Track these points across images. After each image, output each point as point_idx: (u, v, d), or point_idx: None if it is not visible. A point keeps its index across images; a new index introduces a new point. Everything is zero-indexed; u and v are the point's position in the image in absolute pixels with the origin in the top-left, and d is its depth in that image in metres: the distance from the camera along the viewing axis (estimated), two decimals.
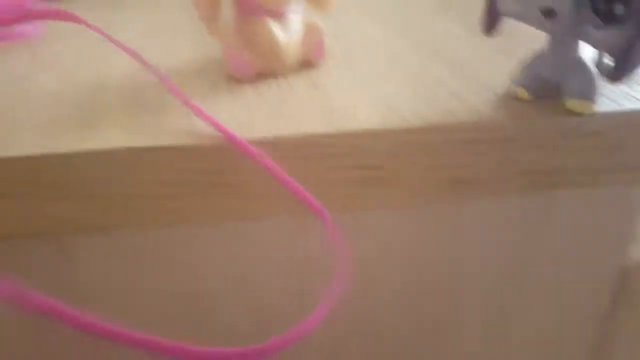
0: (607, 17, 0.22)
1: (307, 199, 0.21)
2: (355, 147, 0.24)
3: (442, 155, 0.25)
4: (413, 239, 0.28)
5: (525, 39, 0.33)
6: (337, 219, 0.27)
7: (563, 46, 0.25)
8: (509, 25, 0.27)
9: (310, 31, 0.29)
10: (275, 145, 0.23)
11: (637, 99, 0.26)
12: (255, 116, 0.24)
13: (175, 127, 0.23)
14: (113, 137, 0.22)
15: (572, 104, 0.25)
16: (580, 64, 0.25)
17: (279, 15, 0.27)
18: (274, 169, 0.22)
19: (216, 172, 0.23)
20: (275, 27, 0.27)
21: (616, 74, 0.23)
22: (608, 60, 0.26)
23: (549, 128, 0.25)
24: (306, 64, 0.29)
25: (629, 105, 0.26)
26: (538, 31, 0.25)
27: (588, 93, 0.25)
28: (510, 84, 0.26)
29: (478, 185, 0.26)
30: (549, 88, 0.25)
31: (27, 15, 0.31)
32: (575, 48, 0.24)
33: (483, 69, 0.29)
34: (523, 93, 0.26)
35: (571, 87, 0.25)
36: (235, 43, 0.27)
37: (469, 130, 0.24)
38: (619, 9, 0.22)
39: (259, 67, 0.28)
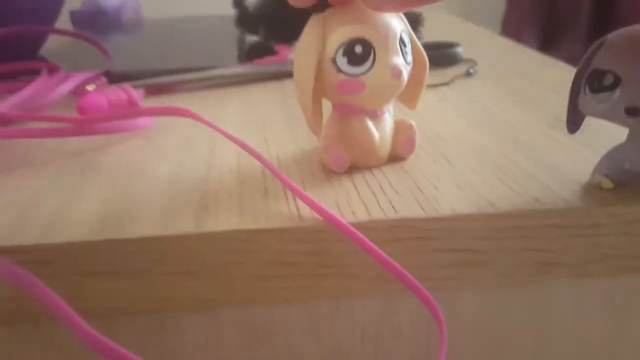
0: None
1: (406, 277, 0.23)
2: (447, 230, 0.25)
3: (530, 240, 0.26)
4: (502, 317, 0.29)
5: (600, 131, 0.34)
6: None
7: None
8: (588, 119, 0.29)
9: (403, 128, 0.31)
10: (374, 229, 0.25)
11: None
12: (352, 201, 0.26)
13: (281, 211, 0.26)
14: (223, 220, 0.25)
15: (597, 181, 0.26)
16: None
17: (376, 115, 0.30)
18: (374, 250, 0.23)
19: (318, 253, 0.25)
20: (373, 127, 0.29)
21: None
22: None
23: (633, 214, 0.26)
24: (397, 158, 0.31)
25: None
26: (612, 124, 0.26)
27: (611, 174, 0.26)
28: (593, 175, 0.28)
29: (564, 268, 0.27)
30: (631, 178, 0.27)
31: (146, 112, 0.36)
32: None
33: (563, 159, 0.31)
34: (608, 183, 0.27)
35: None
36: (334, 141, 0.29)
37: (556, 216, 0.26)
38: None
39: (354, 162, 0.30)
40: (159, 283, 0.25)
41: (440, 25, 0.77)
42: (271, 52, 0.56)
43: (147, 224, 0.25)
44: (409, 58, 0.29)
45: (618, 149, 0.27)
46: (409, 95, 0.32)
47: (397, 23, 0.28)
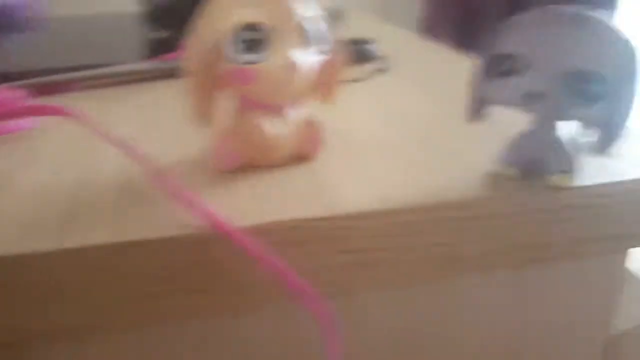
0: (589, 96, 0.24)
1: (300, 285, 0.21)
2: (347, 229, 0.24)
3: (432, 235, 0.25)
4: (407, 318, 0.28)
5: (505, 122, 0.34)
6: (332, 302, 0.26)
7: (545, 126, 0.26)
8: (498, 112, 0.28)
9: (309, 126, 0.29)
10: (268, 232, 0.23)
11: (617, 172, 0.27)
12: (247, 204, 0.24)
13: (165, 220, 0.23)
14: (95, 233, 0.22)
15: (554, 178, 0.26)
16: (559, 141, 0.26)
17: (277, 109, 0.27)
18: (264, 255, 0.21)
19: (207, 263, 0.23)
20: (267, 124, 0.27)
21: (600, 146, 0.24)
22: (589, 135, 0.26)
23: (533, 202, 0.25)
24: (301, 157, 0.29)
25: (608, 177, 0.26)
26: (516, 113, 0.26)
27: (567, 168, 0.25)
28: (497, 163, 0.27)
29: (468, 262, 0.26)
30: (533, 165, 0.26)
31: (24, 112, 0.32)
32: (554, 126, 0.25)
33: (467, 150, 0.30)
34: (510, 171, 0.27)
35: (552, 163, 0.26)
36: (225, 136, 0.27)
37: (456, 208, 0.25)
38: (597, 87, 0.23)
39: (249, 160, 0.28)
40: (16, 310, 0.21)
41: (356, 23, 0.76)
42: (179, 47, 0.53)
43: (3, 240, 0.21)
44: (318, 48, 0.27)
45: (521, 136, 0.27)
46: (324, 90, 0.30)
47: (300, 8, 0.26)
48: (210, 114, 0.27)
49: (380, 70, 0.49)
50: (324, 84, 0.30)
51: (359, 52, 0.52)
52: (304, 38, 0.26)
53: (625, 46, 0.23)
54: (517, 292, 0.29)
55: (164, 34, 0.62)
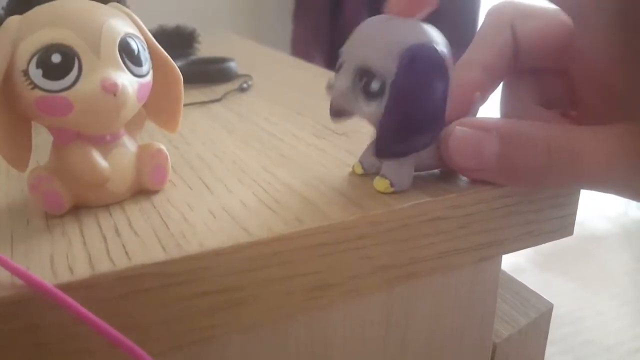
0: (367, 93, 0.24)
1: (125, 344, 0.18)
2: (198, 271, 0.21)
3: (294, 264, 0.23)
4: (280, 353, 0.26)
5: (364, 136, 0.34)
6: (193, 352, 0.23)
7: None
8: (350, 123, 0.27)
9: (148, 154, 0.26)
10: (100, 285, 0.19)
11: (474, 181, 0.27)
12: (73, 253, 0.21)
13: None
14: None
15: (374, 181, 0.26)
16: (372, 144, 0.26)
17: (105, 140, 0.24)
18: (84, 314, 0.18)
19: (28, 329, 0.19)
20: (97, 155, 0.24)
21: (375, 148, 0.25)
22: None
23: (397, 220, 0.24)
24: (145, 191, 0.26)
25: (468, 187, 0.26)
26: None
27: (385, 172, 0.25)
28: (354, 164, 0.28)
29: (336, 289, 0.24)
30: (372, 167, 0.27)
31: None
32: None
33: (327, 171, 0.29)
34: (358, 168, 0.27)
35: (376, 166, 0.26)
36: (45, 174, 0.23)
37: (319, 235, 0.23)
38: (375, 84, 0.24)
39: (80, 200, 0.24)
40: None
41: (220, 44, 0.74)
42: None
43: None
44: (143, 69, 0.24)
45: (373, 139, 0.26)
46: (164, 116, 0.28)
47: (118, 24, 0.23)
48: (22, 156, 0.24)
49: (241, 89, 0.47)
50: (162, 108, 0.27)
51: (218, 71, 0.50)
52: (123, 58, 0.23)
53: (410, 49, 0.23)
54: (391, 311, 0.28)
55: None
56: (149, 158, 0.26)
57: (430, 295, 0.28)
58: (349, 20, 1.23)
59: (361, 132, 0.34)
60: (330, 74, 0.53)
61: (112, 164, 0.24)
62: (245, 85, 0.47)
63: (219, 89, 0.47)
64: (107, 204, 0.25)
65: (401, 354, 0.29)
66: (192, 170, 0.29)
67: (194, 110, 0.41)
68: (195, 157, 0.31)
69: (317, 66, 0.58)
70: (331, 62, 1.24)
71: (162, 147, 0.26)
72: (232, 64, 0.51)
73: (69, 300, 0.18)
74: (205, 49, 0.56)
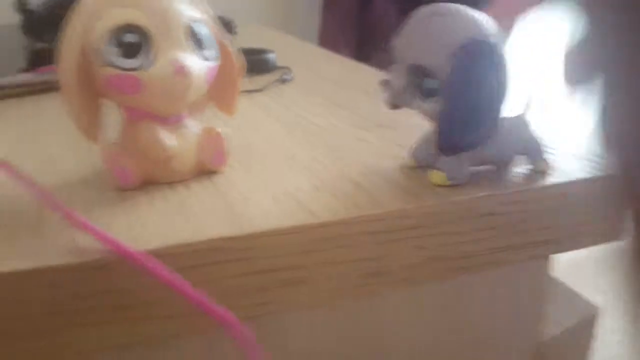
0: (423, 91, 0.25)
1: (213, 309, 0.19)
2: (262, 248, 0.22)
3: (352, 249, 0.24)
4: (333, 336, 0.27)
5: (410, 127, 0.34)
6: (253, 324, 0.24)
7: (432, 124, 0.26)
8: (394, 116, 0.28)
9: (209, 137, 0.27)
10: (175, 255, 0.21)
11: (529, 178, 0.27)
12: (149, 224, 0.22)
13: (56, 246, 0.20)
14: None
15: (430, 174, 0.26)
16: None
17: (170, 121, 0.25)
18: (172, 280, 0.19)
19: (108, 292, 0.20)
20: (164, 134, 0.25)
21: (437, 143, 0.25)
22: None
23: (455, 212, 0.25)
24: (205, 170, 0.27)
25: (528, 184, 0.27)
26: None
27: (440, 165, 0.26)
28: (406, 156, 0.28)
29: (392, 275, 0.25)
30: (426, 161, 0.27)
31: None
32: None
33: (375, 160, 0.29)
34: (411, 162, 0.28)
35: (433, 160, 0.27)
36: (117, 150, 0.25)
37: (375, 221, 0.24)
38: (429, 82, 0.24)
39: (148, 176, 0.25)
40: None
41: (254, 35, 0.75)
42: None
43: None
44: (208, 54, 0.25)
45: (425, 133, 0.28)
46: (223, 100, 0.29)
47: (187, 11, 0.24)
48: (94, 128, 0.25)
49: (282, 81, 0.48)
50: (221, 92, 0.28)
51: (258, 62, 0.51)
52: (191, 41, 0.24)
53: (464, 47, 0.24)
54: (442, 303, 0.28)
55: (42, 44, 0.57)
56: (210, 140, 0.27)
57: (480, 291, 0.29)
58: (378, 13, 1.23)
59: (404, 124, 0.35)
60: (364, 68, 0.54)
61: (177, 143, 0.25)
62: (286, 77, 0.48)
63: (259, 80, 0.48)
64: (172, 182, 0.26)
65: (450, 343, 0.30)
66: (248, 155, 0.30)
67: (240, 98, 0.42)
68: (248, 142, 0.32)
69: (353, 60, 0.59)
70: (359, 55, 1.24)
71: (222, 131, 0.27)
72: (272, 56, 0.52)
73: (157, 265, 0.19)
74: (237, 41, 0.57)
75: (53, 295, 0.19)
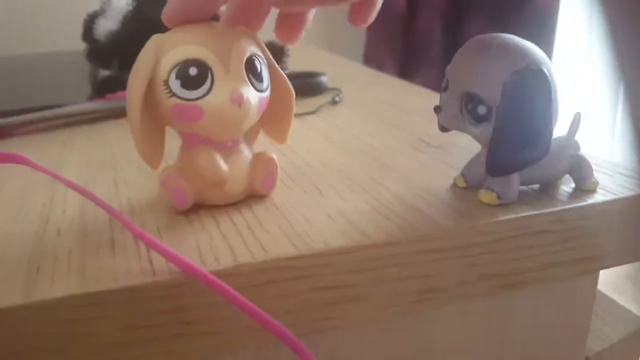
0: (475, 117, 0.26)
1: (277, 328, 0.20)
2: (319, 267, 0.23)
3: (406, 267, 0.25)
4: (384, 353, 0.27)
5: (462, 149, 0.35)
6: (309, 342, 0.25)
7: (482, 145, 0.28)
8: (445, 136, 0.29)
9: (262, 161, 0.28)
10: (241, 274, 0.22)
11: (576, 197, 0.28)
12: (216, 245, 0.24)
13: (131, 266, 0.22)
14: (59, 285, 0.21)
15: (480, 193, 0.27)
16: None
17: (226, 147, 0.27)
18: (237, 298, 0.21)
19: (179, 309, 0.22)
20: (219, 160, 0.26)
21: (487, 166, 0.26)
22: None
23: (506, 231, 0.26)
24: (255, 193, 0.28)
25: (572, 202, 0.27)
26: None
27: (492, 186, 0.27)
28: (456, 177, 0.29)
29: (443, 293, 0.26)
30: (477, 180, 0.28)
31: None
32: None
33: (430, 181, 0.30)
34: (460, 181, 0.29)
35: (483, 179, 0.28)
36: (174, 173, 0.26)
37: (431, 240, 0.25)
38: (481, 109, 0.26)
39: (201, 199, 0.27)
40: None
41: (304, 57, 0.77)
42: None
43: None
44: (264, 85, 0.26)
45: (476, 155, 0.29)
46: (276, 128, 0.30)
47: (245, 45, 0.26)
48: (155, 156, 0.27)
49: (334, 102, 0.49)
50: (274, 121, 0.29)
51: (310, 85, 0.53)
52: (248, 74, 0.26)
53: (513, 78, 0.25)
54: (491, 319, 0.29)
55: (109, 72, 0.60)
56: (261, 165, 0.28)
57: (529, 306, 0.29)
58: (423, 31, 1.24)
59: (457, 145, 0.36)
60: (414, 88, 0.55)
61: (231, 167, 0.27)
62: (337, 99, 0.50)
63: (311, 102, 0.49)
64: (224, 204, 0.27)
65: (501, 358, 0.30)
66: (304, 176, 0.31)
67: (293, 121, 0.44)
68: (303, 164, 0.34)
69: (402, 80, 0.60)
70: (403, 72, 1.25)
71: (274, 156, 0.29)
72: (323, 78, 0.54)
73: (225, 285, 0.20)
74: (287, 64, 0.59)
75: (128, 312, 0.21)
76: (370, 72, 0.67)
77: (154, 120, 0.26)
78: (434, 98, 0.49)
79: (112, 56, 0.58)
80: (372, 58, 1.30)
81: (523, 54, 0.25)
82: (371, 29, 1.30)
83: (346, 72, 0.67)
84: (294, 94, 0.29)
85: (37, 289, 0.20)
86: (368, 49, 1.33)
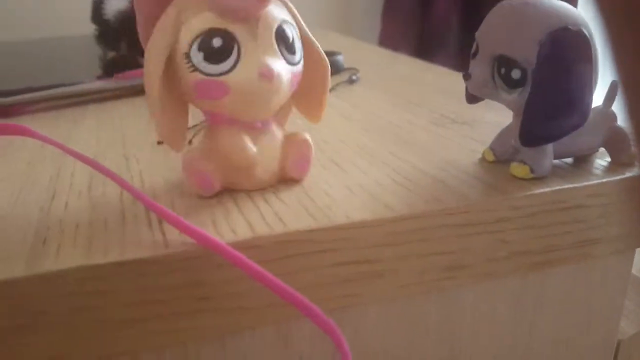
0: (508, 82, 0.24)
1: (304, 303, 0.19)
2: (342, 241, 0.22)
3: (432, 242, 0.23)
4: (411, 328, 0.26)
5: (485, 123, 0.33)
6: (333, 317, 0.24)
7: (515, 117, 0.26)
8: (470, 113, 0.27)
9: (295, 143, 0.25)
10: (260, 247, 0.21)
11: (613, 170, 0.26)
12: (232, 218, 0.22)
13: (142, 238, 0.21)
14: (65, 256, 0.20)
15: (511, 167, 0.26)
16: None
17: (255, 127, 0.24)
18: (258, 272, 0.19)
19: (193, 284, 0.20)
20: (247, 140, 0.23)
21: (520, 135, 0.24)
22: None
23: (536, 206, 0.24)
24: (287, 178, 0.26)
25: (608, 176, 0.25)
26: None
27: (523, 157, 0.25)
28: (484, 151, 0.28)
29: (470, 270, 0.24)
30: (506, 153, 0.27)
31: None
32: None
33: (454, 154, 0.29)
34: (489, 155, 0.27)
35: (514, 152, 0.26)
36: (198, 155, 0.24)
37: (458, 215, 0.23)
38: (515, 73, 0.24)
39: (228, 184, 0.25)
40: None
41: (319, 39, 0.76)
42: (136, 65, 0.51)
43: None
44: (296, 58, 0.23)
45: (506, 127, 0.27)
46: (309, 105, 0.27)
47: (275, 12, 0.23)
48: (177, 134, 0.24)
49: (351, 81, 0.48)
50: (307, 98, 0.26)
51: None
52: (279, 44, 0.22)
53: (550, 38, 0.23)
54: (522, 297, 0.27)
55: (115, 53, 0.59)
56: (294, 147, 0.25)
57: (561, 285, 0.28)
58: (439, 18, 1.22)
59: (479, 121, 0.34)
60: (433, 67, 0.53)
61: (261, 150, 0.24)
62: (354, 78, 0.48)
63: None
64: (253, 189, 0.25)
65: (528, 341, 0.29)
66: (322, 153, 0.30)
67: None
68: (322, 141, 0.32)
69: (419, 60, 0.58)
70: (419, 56, 1.22)
71: (308, 137, 0.26)
72: (340, 57, 0.53)
73: (244, 258, 0.19)
74: None
75: (141, 285, 0.20)
76: (387, 53, 0.65)
77: (175, 98, 0.23)
78: (456, 77, 0.47)
79: (121, 36, 0.57)
80: (388, 43, 1.28)
81: (561, 14, 0.23)
82: (387, 14, 1.28)
83: (363, 54, 0.65)
84: (329, 67, 0.26)
85: (43, 261, 0.19)
86: (383, 34, 1.31)
